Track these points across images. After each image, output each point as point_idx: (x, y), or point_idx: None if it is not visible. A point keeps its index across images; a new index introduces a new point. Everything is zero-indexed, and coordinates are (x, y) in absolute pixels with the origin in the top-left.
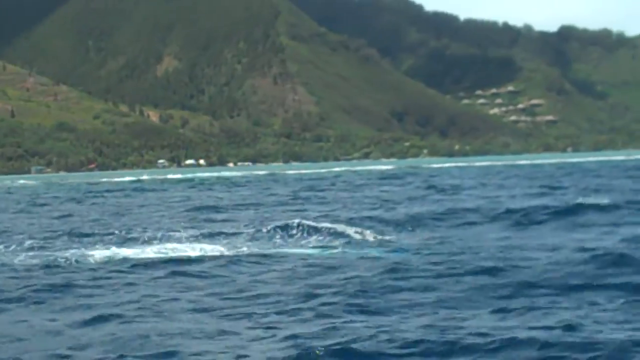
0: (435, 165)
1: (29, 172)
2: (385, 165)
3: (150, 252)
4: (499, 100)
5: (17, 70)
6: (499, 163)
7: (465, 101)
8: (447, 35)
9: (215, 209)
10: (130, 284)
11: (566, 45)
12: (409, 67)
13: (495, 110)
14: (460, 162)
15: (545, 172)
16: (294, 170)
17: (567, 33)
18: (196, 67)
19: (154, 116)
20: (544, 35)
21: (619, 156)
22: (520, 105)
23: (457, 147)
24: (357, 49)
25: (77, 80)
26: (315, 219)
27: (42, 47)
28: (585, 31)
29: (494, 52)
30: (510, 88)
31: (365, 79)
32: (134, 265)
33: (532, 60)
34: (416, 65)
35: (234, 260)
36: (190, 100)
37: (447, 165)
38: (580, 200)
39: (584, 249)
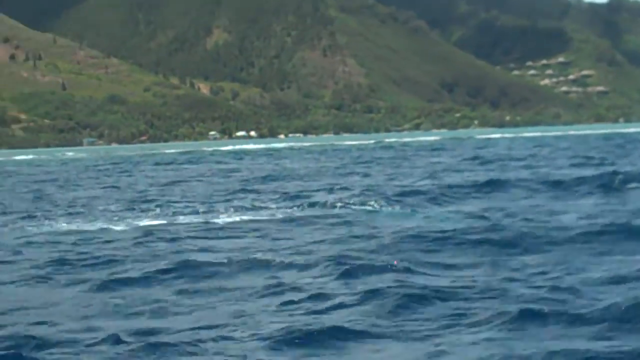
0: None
1: (80, 144)
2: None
3: None
4: (549, 71)
5: (67, 43)
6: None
7: (516, 72)
8: (497, 7)
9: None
10: None
11: (616, 16)
12: (458, 39)
13: (546, 81)
14: (508, 133)
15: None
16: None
17: (617, 4)
18: (246, 40)
19: (204, 88)
20: (593, 7)
21: None
22: (571, 76)
23: (507, 118)
24: (406, 21)
25: (127, 53)
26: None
27: (92, 20)
28: (635, 2)
29: (544, 23)
30: (561, 59)
31: (414, 51)
32: None
33: (582, 31)
34: (466, 37)
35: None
36: (240, 72)
37: (495, 135)
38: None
39: None
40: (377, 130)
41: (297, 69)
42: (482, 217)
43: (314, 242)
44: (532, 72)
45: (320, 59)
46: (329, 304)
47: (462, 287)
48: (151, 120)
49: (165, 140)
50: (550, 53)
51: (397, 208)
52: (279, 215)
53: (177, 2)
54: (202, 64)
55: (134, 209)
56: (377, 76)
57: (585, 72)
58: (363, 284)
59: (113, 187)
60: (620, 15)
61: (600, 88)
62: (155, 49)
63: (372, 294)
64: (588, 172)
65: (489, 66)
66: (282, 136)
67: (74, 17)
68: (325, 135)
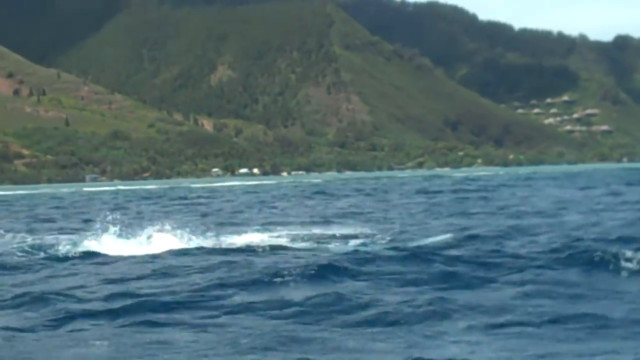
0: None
1: (83, 180)
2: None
3: None
4: (554, 110)
5: (72, 79)
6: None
7: (520, 111)
8: (502, 45)
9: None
10: None
11: (622, 54)
12: (463, 76)
13: (550, 120)
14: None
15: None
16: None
17: (622, 42)
18: (250, 77)
19: (208, 125)
20: (599, 45)
21: None
22: (575, 115)
23: (511, 156)
24: (411, 58)
25: (131, 89)
26: None
27: (97, 56)
28: None
29: (549, 61)
30: (565, 97)
31: (419, 88)
32: None
33: (587, 69)
34: (470, 75)
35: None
36: (244, 109)
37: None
38: None
39: None
40: (380, 169)
41: (301, 106)
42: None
43: None
44: (536, 110)
45: (325, 96)
46: None
47: None
48: (154, 157)
49: (168, 177)
50: (555, 91)
51: None
52: None
53: (181, 38)
54: (206, 101)
55: None
56: (381, 114)
57: (589, 111)
58: None
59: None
60: (626, 54)
61: (605, 127)
62: (160, 85)
63: None
64: None
65: (493, 104)
66: (285, 173)
67: (78, 53)
68: (328, 173)
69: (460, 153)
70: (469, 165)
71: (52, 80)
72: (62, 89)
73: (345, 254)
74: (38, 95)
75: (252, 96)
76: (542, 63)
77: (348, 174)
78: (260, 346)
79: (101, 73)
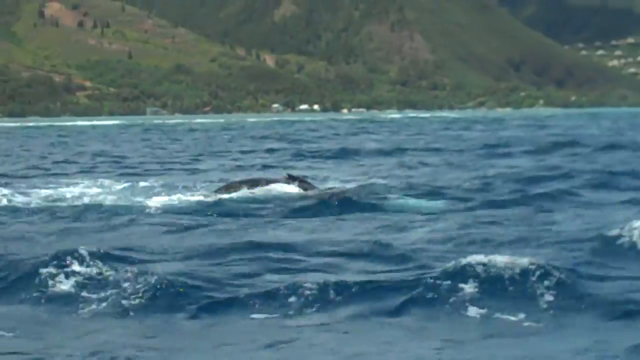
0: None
1: (144, 113)
2: None
3: None
4: (618, 52)
5: (136, 12)
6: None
7: (584, 52)
8: None
9: None
10: None
11: None
12: (528, 16)
13: (614, 62)
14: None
15: None
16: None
17: None
18: (313, 13)
19: (270, 60)
20: None
21: None
22: None
23: (573, 98)
24: None
25: (195, 23)
26: None
27: None
28: None
29: (615, 2)
30: (631, 40)
31: (483, 27)
32: None
33: None
34: (535, 14)
35: None
36: (306, 45)
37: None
38: None
39: None
40: (440, 108)
41: (364, 43)
42: None
43: None
44: (600, 52)
45: (388, 33)
46: None
47: None
48: (215, 91)
49: (229, 112)
50: (620, 33)
51: None
52: None
53: None
54: (269, 36)
55: None
56: (444, 52)
57: None
58: None
59: None
60: None
61: None
62: (223, 19)
63: None
64: None
65: (557, 45)
66: (345, 110)
67: None
68: (389, 111)
69: (522, 94)
70: (530, 106)
71: (117, 13)
72: (126, 21)
73: None
74: (102, 28)
75: (315, 32)
76: (608, 4)
77: (408, 112)
78: None
79: (165, 6)
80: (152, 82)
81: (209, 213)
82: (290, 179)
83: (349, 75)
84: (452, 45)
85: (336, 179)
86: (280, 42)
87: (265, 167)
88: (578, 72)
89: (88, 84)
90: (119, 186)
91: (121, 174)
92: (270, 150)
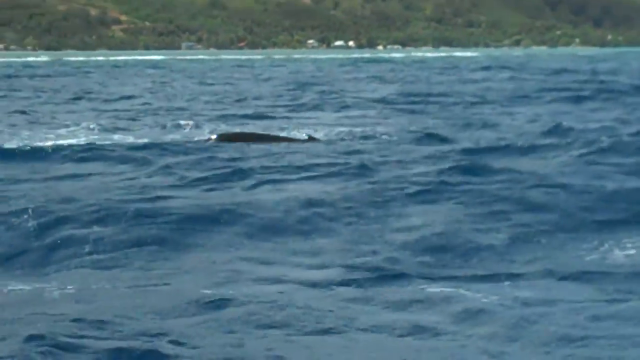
0: None
1: (179, 48)
2: None
3: None
4: None
5: None
6: None
7: None
8: None
9: None
10: None
11: None
12: None
13: None
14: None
15: None
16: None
17: None
18: None
19: None
20: None
21: None
22: None
23: (609, 37)
24: None
25: None
26: None
27: None
28: None
29: None
30: None
31: None
32: None
33: None
34: None
35: None
36: None
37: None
38: None
39: None
40: (476, 45)
41: None
42: None
43: None
44: None
45: None
46: None
47: None
48: (251, 27)
49: (264, 47)
50: None
51: None
52: None
53: None
54: None
55: None
56: None
57: None
58: None
59: None
60: None
61: None
62: None
63: None
64: None
65: None
66: (380, 47)
67: None
68: (424, 48)
69: (558, 32)
70: (566, 45)
71: None
72: None
73: None
74: None
75: None
76: None
77: (443, 49)
78: None
79: None
80: (188, 16)
81: None
82: None
83: (384, 12)
84: None
85: None
86: None
87: None
88: (615, 10)
89: (123, 17)
90: None
91: None
92: None
